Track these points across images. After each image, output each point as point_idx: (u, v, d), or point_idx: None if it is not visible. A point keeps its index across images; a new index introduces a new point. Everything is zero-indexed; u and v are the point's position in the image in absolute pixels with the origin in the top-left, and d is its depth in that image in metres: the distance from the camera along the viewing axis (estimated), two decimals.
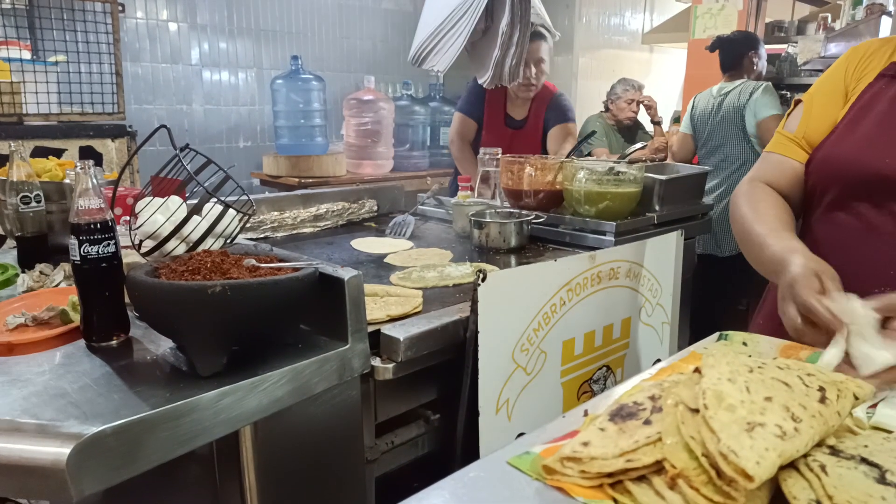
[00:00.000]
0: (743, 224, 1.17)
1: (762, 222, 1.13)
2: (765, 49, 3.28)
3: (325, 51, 4.44)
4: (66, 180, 1.65)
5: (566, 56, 5.57)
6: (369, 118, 3.92)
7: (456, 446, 1.26)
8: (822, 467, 0.58)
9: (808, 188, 1.18)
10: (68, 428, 0.77)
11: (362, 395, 1.12)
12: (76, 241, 0.98)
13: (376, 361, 1.13)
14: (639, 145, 2.45)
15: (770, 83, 3.07)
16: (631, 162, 1.94)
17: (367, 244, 1.89)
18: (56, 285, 1.31)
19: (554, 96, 2.86)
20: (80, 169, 0.99)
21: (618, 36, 6.03)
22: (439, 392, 1.29)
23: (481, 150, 2.27)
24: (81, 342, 1.04)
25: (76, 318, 1.07)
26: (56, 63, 2.87)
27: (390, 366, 1.13)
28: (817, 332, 0.90)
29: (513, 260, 1.74)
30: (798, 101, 1.24)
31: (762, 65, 3.22)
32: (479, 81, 2.68)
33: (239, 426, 0.93)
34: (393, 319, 1.21)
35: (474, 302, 1.17)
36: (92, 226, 0.98)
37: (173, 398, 0.85)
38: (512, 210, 1.96)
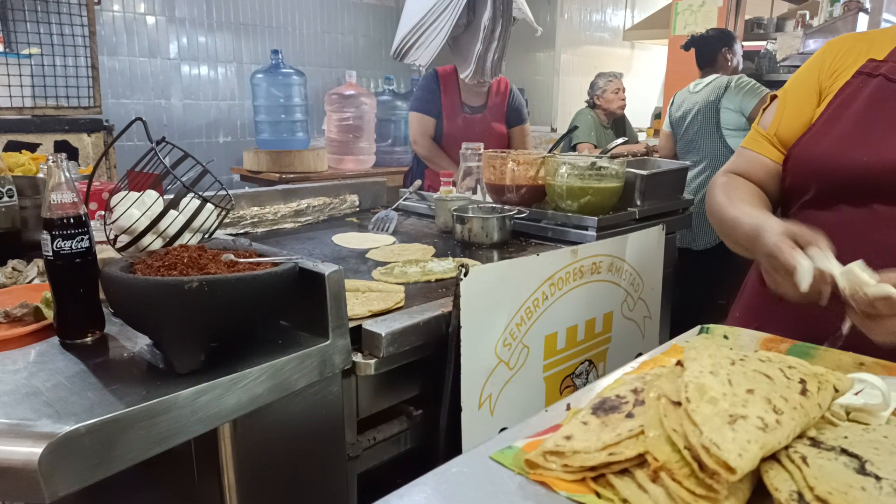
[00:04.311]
0: (720, 210, 1.18)
1: (737, 206, 1.14)
2: (740, 45, 3.31)
3: (306, 45, 4.40)
4: (40, 175, 1.62)
5: (548, 52, 5.58)
6: (351, 113, 3.90)
7: (439, 442, 1.25)
8: (804, 459, 0.58)
9: (786, 186, 1.19)
10: (41, 427, 0.75)
11: (344, 392, 1.11)
12: (49, 237, 0.96)
13: (358, 357, 1.12)
14: (620, 140, 2.46)
15: (744, 76, 3.09)
16: (613, 157, 1.94)
17: (348, 239, 1.88)
18: (29, 281, 1.28)
19: (511, 90, 2.90)
20: (53, 162, 0.96)
21: (599, 32, 6.06)
22: (422, 388, 1.29)
23: (463, 146, 2.27)
24: (55, 339, 1.02)
25: (50, 314, 1.05)
26: (30, 56, 2.82)
27: (372, 361, 1.12)
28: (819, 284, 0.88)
29: (495, 255, 1.73)
30: (774, 97, 1.25)
31: (737, 61, 3.25)
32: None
33: (217, 424, 0.91)
34: (375, 315, 1.20)
35: (457, 297, 1.17)
36: (65, 220, 0.96)
37: (150, 396, 0.83)
38: (494, 205, 1.96)
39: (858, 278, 0.84)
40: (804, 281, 0.86)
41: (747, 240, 1.05)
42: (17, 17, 2.84)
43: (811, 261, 0.88)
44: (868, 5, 3.89)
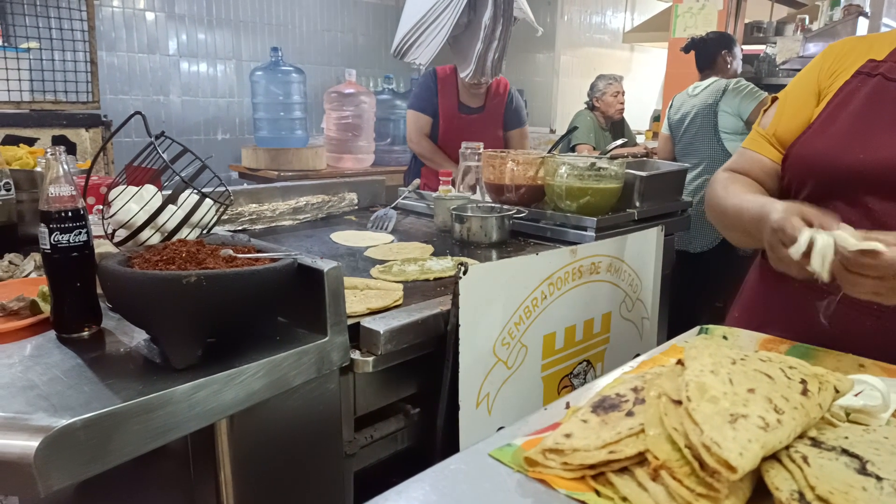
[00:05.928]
0: (721, 203, 1.18)
1: (739, 196, 1.14)
2: (740, 49, 3.31)
3: (306, 43, 4.39)
4: (38, 168, 1.61)
5: (548, 53, 5.59)
6: (350, 112, 3.89)
7: (436, 441, 1.25)
8: (804, 458, 0.58)
9: (784, 185, 1.19)
10: (37, 421, 0.75)
11: (341, 389, 1.10)
12: (46, 230, 0.95)
13: (356, 354, 1.11)
14: (619, 142, 2.46)
15: (741, 79, 3.09)
16: (612, 158, 1.94)
17: (347, 237, 1.87)
18: (26, 275, 1.27)
19: (511, 92, 2.90)
20: (51, 155, 0.96)
21: (599, 34, 6.06)
22: (419, 386, 1.28)
23: (463, 145, 2.26)
24: (52, 333, 1.01)
25: (46, 308, 1.04)
26: (28, 50, 2.80)
27: (370, 359, 1.11)
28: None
29: (494, 254, 1.73)
30: (775, 99, 1.25)
31: (737, 64, 3.25)
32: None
33: (214, 420, 0.91)
34: (373, 312, 1.20)
35: (455, 295, 1.16)
36: (63, 214, 0.95)
37: (146, 391, 0.83)
38: (493, 205, 1.95)
39: (847, 239, 0.84)
40: (798, 249, 0.86)
41: (753, 222, 1.04)
42: (16, 11, 2.83)
43: (814, 233, 0.87)
44: (868, 9, 3.90)
